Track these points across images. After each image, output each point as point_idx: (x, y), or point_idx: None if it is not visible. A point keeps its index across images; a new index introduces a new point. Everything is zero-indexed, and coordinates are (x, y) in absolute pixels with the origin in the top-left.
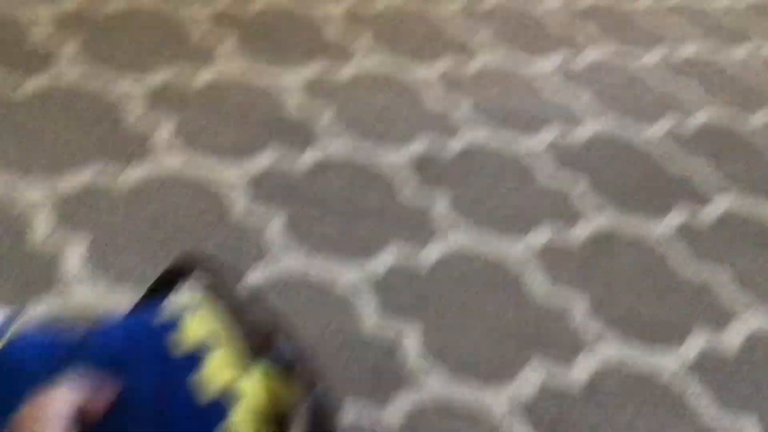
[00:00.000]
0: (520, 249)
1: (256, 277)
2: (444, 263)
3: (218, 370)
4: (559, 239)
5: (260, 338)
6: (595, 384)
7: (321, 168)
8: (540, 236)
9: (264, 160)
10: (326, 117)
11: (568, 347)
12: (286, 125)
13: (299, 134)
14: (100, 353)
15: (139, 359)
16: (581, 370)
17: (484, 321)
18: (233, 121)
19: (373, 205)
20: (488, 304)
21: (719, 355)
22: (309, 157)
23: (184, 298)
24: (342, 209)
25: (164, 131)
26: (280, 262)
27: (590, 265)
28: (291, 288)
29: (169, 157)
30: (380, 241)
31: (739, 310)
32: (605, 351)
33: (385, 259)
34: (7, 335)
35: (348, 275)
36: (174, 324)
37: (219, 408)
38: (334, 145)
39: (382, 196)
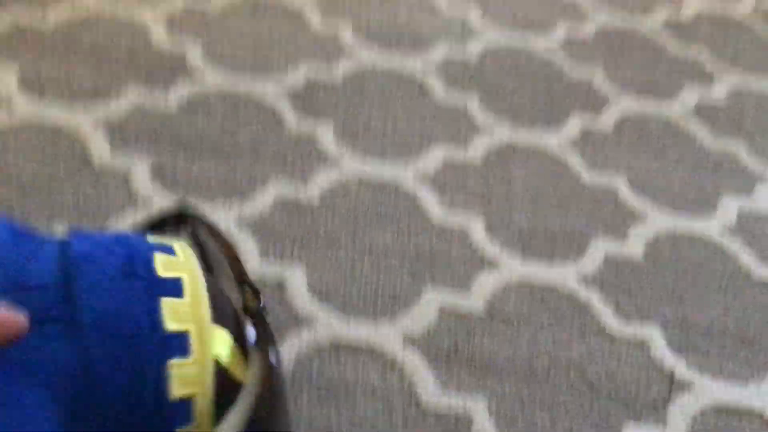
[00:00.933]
0: (414, 172)
1: (126, 222)
2: (331, 195)
3: (186, 309)
4: (454, 159)
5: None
6: (495, 305)
7: (189, 107)
8: (434, 157)
9: (125, 101)
10: (196, 50)
11: (466, 270)
12: (150, 62)
13: (164, 72)
14: (66, 253)
15: (110, 264)
16: (480, 291)
17: (375, 253)
18: (90, 61)
19: (250, 142)
20: (380, 234)
21: (621, 263)
22: (175, 96)
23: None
24: (214, 149)
25: (9, 80)
26: (150, 207)
27: (488, 183)
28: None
29: (18, 107)
30: (259, 179)
31: (639, 215)
32: (505, 269)
33: (264, 199)
34: None
35: (223, 218)
36: (158, 247)
37: (177, 344)
38: (204, 80)
39: (260, 131)
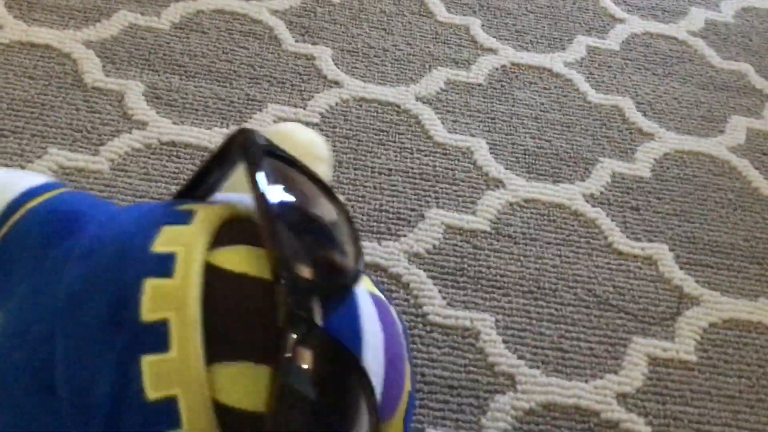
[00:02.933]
0: (416, 93)
1: (121, 143)
2: (331, 116)
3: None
4: (457, 79)
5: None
6: (501, 223)
7: (183, 27)
8: (436, 78)
9: (116, 22)
10: None
11: (471, 189)
12: None
13: None
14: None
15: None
16: (485, 210)
17: (378, 173)
18: None
19: (246, 63)
20: (382, 154)
21: (629, 181)
22: (167, 18)
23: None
24: (209, 71)
25: None
26: (145, 129)
27: (492, 103)
28: (161, 154)
29: (7, 28)
30: (257, 100)
31: (646, 134)
32: (510, 189)
33: (262, 120)
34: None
35: (221, 138)
36: (182, 215)
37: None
38: (195, 2)
39: (257, 52)
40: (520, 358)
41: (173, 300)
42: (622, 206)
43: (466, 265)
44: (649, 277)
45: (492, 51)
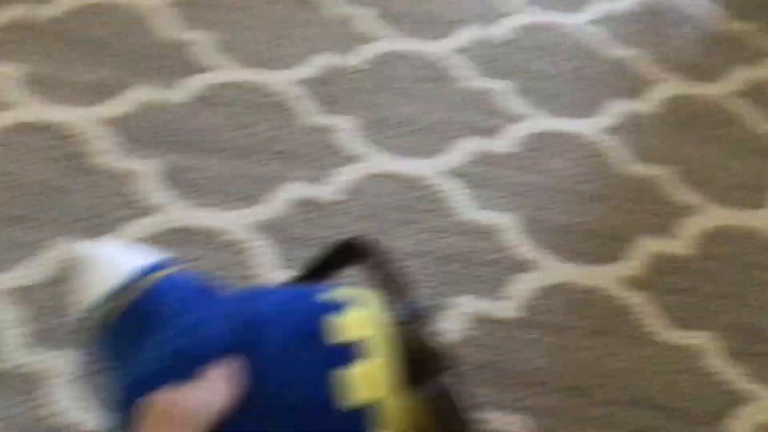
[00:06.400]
0: (442, 165)
1: (133, 231)
2: (353, 193)
3: (369, 377)
4: (485, 150)
5: (421, 361)
6: (533, 310)
7: (201, 104)
8: (463, 148)
9: (130, 98)
10: (205, 42)
11: (500, 272)
12: (156, 55)
13: (172, 65)
14: (241, 316)
15: (284, 331)
16: (516, 296)
17: (401, 255)
18: (91, 55)
19: (268, 140)
20: (406, 234)
21: (670, 262)
22: (184, 92)
23: (348, 289)
24: (230, 148)
25: (9, 77)
26: (158, 214)
27: (523, 175)
28: (177, 241)
29: (18, 107)
30: (277, 180)
31: (688, 208)
32: (542, 271)
33: (277, 203)
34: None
35: (239, 220)
36: (336, 306)
37: (360, 417)
38: (215, 74)
39: (276, 126)
40: None
41: (366, 326)
42: (663, 290)
43: (495, 357)
44: (695, 370)
45: (521, 118)
